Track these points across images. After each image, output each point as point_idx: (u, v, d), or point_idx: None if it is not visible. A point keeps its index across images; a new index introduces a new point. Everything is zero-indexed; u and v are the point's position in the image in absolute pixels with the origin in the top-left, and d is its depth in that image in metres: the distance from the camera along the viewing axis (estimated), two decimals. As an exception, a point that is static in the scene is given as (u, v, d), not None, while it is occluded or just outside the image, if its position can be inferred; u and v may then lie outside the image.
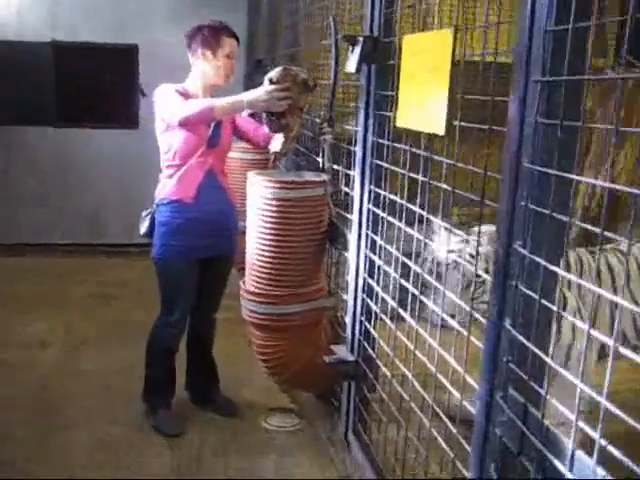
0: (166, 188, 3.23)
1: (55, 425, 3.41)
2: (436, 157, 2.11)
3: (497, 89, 1.81)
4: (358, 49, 2.57)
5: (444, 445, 2.06)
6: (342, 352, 3.00)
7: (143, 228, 3.31)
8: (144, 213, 3.34)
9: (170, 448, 3.26)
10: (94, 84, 6.42)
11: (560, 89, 1.45)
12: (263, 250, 3.13)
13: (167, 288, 3.33)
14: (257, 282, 3.18)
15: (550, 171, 1.45)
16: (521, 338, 1.55)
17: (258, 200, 3.12)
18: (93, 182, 6.48)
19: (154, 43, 6.22)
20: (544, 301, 1.50)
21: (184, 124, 3.03)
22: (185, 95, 3.15)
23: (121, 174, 6.46)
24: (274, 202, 3.06)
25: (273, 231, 3.09)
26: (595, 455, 1.26)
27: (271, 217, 3.08)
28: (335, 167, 3.21)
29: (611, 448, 1.23)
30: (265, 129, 3.23)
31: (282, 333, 3.20)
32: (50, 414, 3.52)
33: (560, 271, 1.46)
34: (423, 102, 2.12)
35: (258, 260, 3.16)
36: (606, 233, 1.29)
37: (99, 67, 6.39)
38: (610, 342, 1.25)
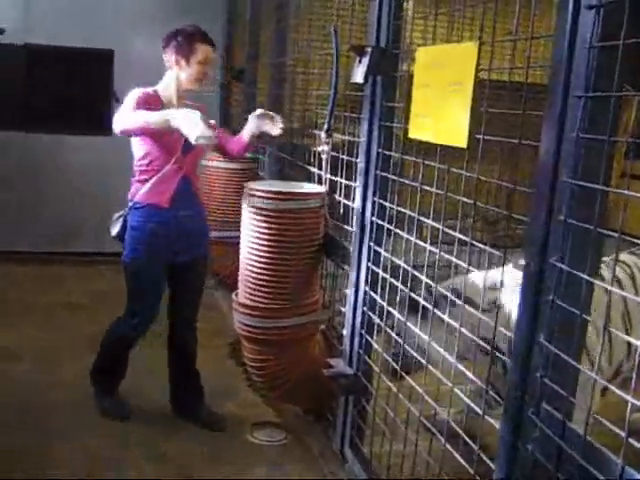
0: (140, 192, 3.20)
1: (37, 439, 3.29)
2: (456, 170, 2.10)
3: (518, 106, 1.81)
4: (366, 60, 2.55)
5: (462, 460, 2.04)
6: (340, 365, 2.96)
7: (114, 230, 3.29)
8: (116, 215, 3.32)
9: (153, 462, 3.17)
10: (68, 89, 6.27)
11: (607, 105, 1.45)
12: (258, 262, 3.07)
13: (134, 291, 3.32)
14: (251, 295, 3.12)
15: (598, 186, 1.45)
16: (561, 354, 1.54)
17: (253, 211, 3.07)
18: (65, 188, 6.29)
19: (130, 49, 6.12)
20: (585, 316, 1.50)
21: (124, 134, 3.02)
22: (155, 99, 3.12)
23: (93, 181, 6.29)
24: (271, 213, 3.02)
25: (269, 243, 3.04)
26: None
27: (267, 228, 3.04)
28: (332, 178, 3.18)
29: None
30: (241, 140, 3.34)
31: (276, 347, 3.15)
32: (31, 428, 3.39)
33: (605, 285, 1.46)
34: (441, 115, 2.11)
35: (253, 272, 3.10)
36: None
37: (73, 72, 6.25)
38: None
